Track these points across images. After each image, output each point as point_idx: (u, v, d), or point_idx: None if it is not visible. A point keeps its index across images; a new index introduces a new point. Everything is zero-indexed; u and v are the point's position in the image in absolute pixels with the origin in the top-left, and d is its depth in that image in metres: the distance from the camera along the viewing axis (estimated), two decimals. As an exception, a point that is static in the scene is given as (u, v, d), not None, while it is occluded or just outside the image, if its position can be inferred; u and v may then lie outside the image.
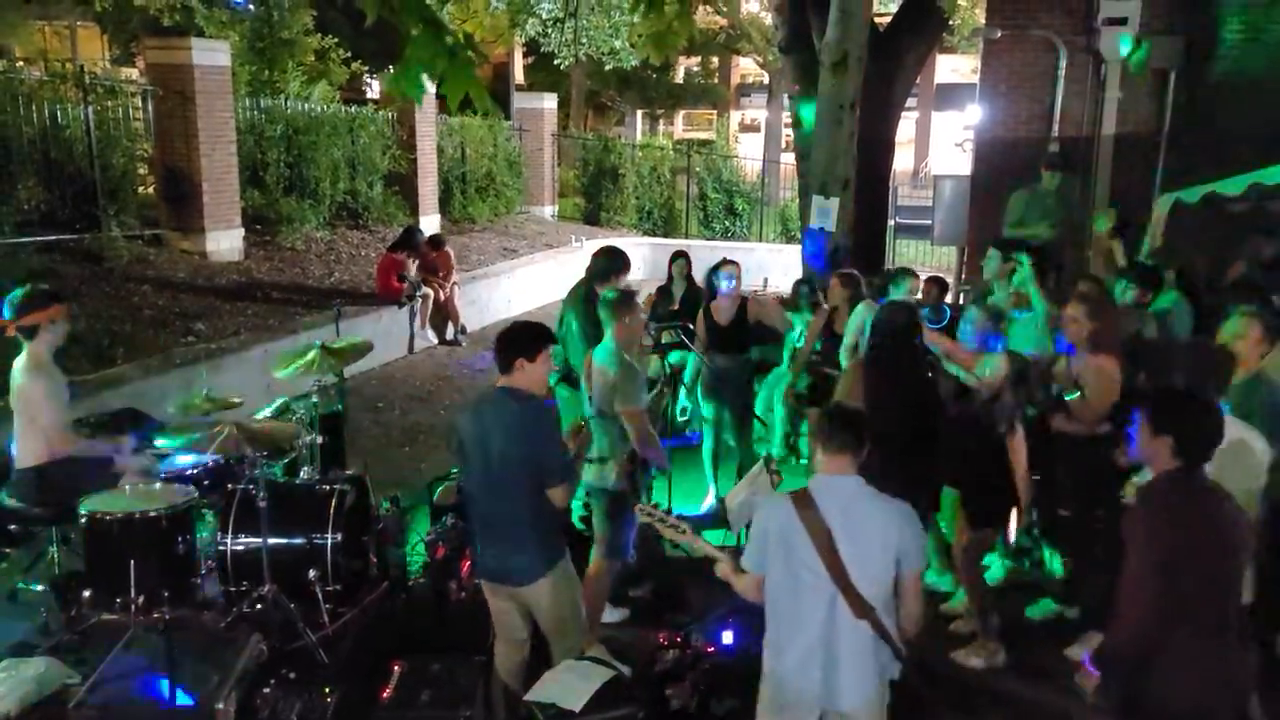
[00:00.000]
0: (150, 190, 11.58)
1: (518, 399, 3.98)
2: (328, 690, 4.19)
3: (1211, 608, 3.29)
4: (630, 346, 5.02)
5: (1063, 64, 9.66)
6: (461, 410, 4.24)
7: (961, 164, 21.11)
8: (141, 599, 4.41)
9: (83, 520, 4.58)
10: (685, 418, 8.15)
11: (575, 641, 4.27)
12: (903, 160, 24.12)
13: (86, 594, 4.54)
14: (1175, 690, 3.29)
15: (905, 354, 5.28)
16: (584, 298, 6.12)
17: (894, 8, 14.22)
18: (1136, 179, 9.51)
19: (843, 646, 3.34)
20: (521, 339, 4.06)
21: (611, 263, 6.12)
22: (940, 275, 8.64)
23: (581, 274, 6.42)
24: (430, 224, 14.37)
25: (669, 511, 4.16)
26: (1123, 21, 9.22)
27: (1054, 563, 5.97)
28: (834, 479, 3.43)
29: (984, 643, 5.14)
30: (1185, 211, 7.83)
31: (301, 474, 5.59)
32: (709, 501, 7.06)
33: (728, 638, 4.69)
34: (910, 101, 15.81)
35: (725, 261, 7.02)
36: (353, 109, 14.25)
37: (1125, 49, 9.19)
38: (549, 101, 19.36)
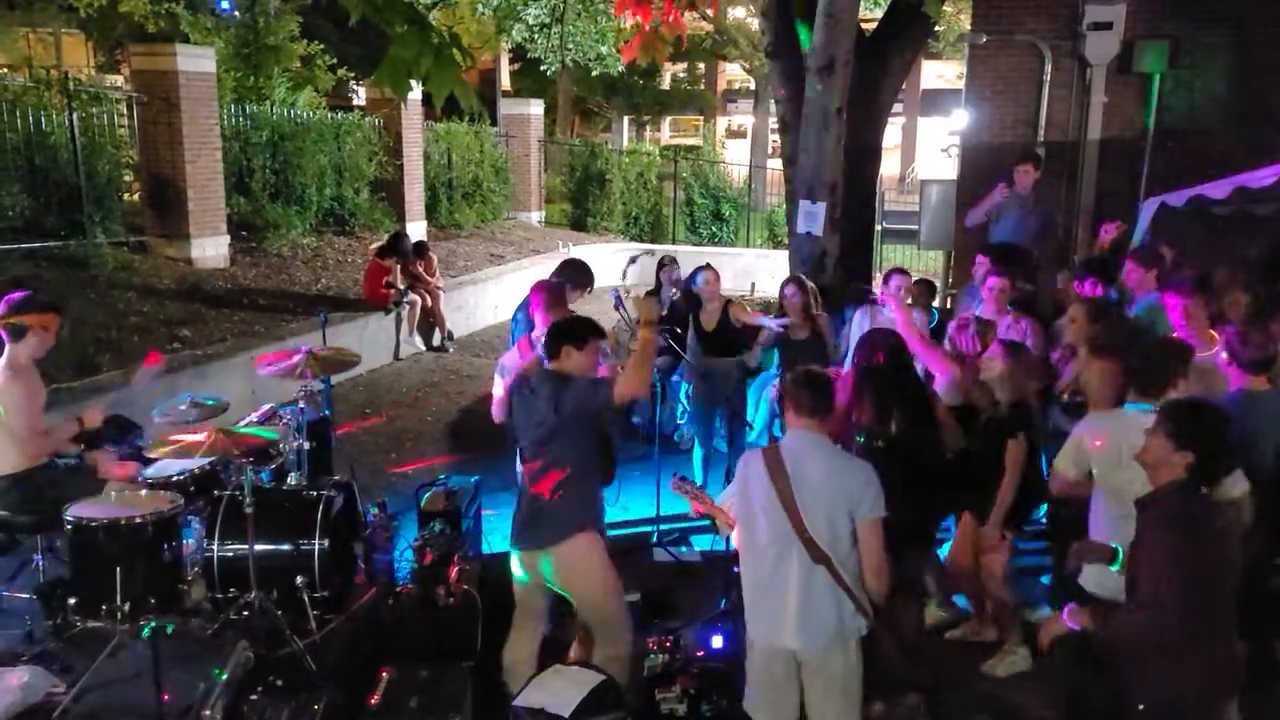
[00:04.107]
0: (135, 197, 11.53)
1: (564, 378, 4.10)
2: (315, 697, 4.16)
3: (1214, 616, 3.31)
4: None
5: (1048, 69, 9.71)
6: (516, 383, 4.38)
7: (947, 169, 21.22)
8: (127, 606, 4.37)
9: (68, 527, 4.53)
10: (680, 421, 8.15)
11: (609, 616, 4.25)
12: (889, 165, 24.20)
13: (72, 601, 4.48)
14: (1165, 681, 3.30)
15: (898, 379, 5.16)
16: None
17: (880, 13, 14.27)
18: (1122, 183, 9.56)
19: (799, 589, 3.61)
20: (572, 328, 4.25)
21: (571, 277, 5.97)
22: (929, 278, 8.67)
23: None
24: (417, 230, 14.34)
25: (692, 482, 4.53)
26: (1108, 26, 9.27)
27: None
28: (800, 435, 3.73)
29: (1011, 649, 5.02)
30: (1171, 215, 7.86)
31: (289, 480, 5.55)
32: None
33: (717, 641, 4.68)
34: (896, 107, 15.83)
35: (704, 268, 7.13)
36: (339, 115, 14.20)
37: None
38: (535, 108, 19.36)
